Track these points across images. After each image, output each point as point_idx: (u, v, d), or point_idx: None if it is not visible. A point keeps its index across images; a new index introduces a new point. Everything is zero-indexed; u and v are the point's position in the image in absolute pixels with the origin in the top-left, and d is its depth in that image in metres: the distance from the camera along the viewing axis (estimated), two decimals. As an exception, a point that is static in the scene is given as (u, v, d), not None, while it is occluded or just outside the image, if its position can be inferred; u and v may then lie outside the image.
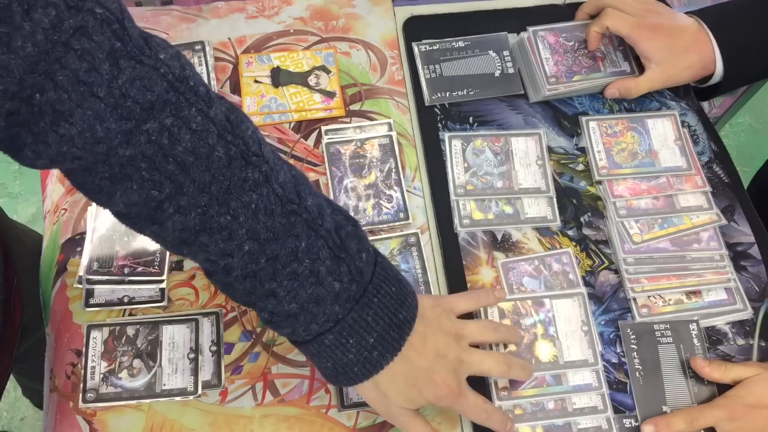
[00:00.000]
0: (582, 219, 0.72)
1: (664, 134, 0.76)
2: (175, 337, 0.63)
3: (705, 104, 0.83)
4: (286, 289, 0.49)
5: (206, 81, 0.76)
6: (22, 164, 0.43)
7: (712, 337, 0.67)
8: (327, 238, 0.49)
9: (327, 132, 0.75)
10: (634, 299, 0.67)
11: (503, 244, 0.70)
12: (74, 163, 0.43)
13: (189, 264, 0.67)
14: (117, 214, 0.49)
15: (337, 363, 0.51)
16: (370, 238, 0.69)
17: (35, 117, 0.40)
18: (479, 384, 0.63)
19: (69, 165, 0.44)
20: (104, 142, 0.42)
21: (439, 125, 0.76)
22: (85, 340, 0.63)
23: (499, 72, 0.80)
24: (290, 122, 0.76)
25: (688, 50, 0.74)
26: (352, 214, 0.70)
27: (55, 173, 0.73)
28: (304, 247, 0.48)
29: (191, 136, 0.44)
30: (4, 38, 0.36)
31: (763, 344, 0.67)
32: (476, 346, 0.60)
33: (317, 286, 0.49)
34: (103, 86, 0.40)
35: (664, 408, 0.63)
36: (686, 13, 0.77)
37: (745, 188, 0.76)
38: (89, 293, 0.65)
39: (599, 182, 0.74)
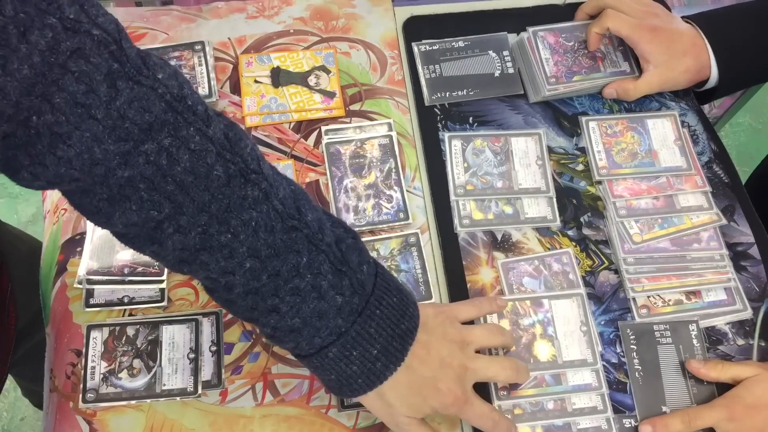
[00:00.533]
0: (582, 219, 0.72)
1: (663, 134, 0.76)
2: (175, 337, 0.63)
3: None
4: (288, 305, 0.49)
5: (206, 81, 0.76)
6: (20, 185, 0.43)
7: (712, 338, 0.67)
8: (328, 252, 0.49)
9: (327, 132, 0.75)
10: (634, 299, 0.67)
11: (503, 244, 0.70)
12: (72, 184, 0.43)
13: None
14: (116, 234, 0.48)
15: (341, 375, 0.51)
16: (371, 238, 0.69)
17: (32, 139, 0.40)
18: (478, 383, 0.63)
19: (67, 186, 0.44)
20: (102, 163, 0.42)
21: (439, 125, 0.76)
22: (85, 340, 0.63)
23: (498, 72, 0.80)
24: (290, 122, 0.76)
25: (686, 54, 0.75)
26: (351, 214, 0.70)
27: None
28: (305, 263, 0.48)
29: (190, 156, 0.44)
30: (0, 60, 0.36)
31: (763, 344, 0.67)
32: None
33: (319, 300, 0.49)
34: (101, 108, 0.40)
35: (664, 408, 0.63)
36: (682, 17, 0.78)
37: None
38: (89, 293, 0.65)
39: (599, 182, 0.74)
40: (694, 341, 0.65)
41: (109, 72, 0.40)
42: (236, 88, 0.77)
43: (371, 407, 0.55)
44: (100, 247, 0.66)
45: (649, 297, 0.68)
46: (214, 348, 0.63)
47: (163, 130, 0.43)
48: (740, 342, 0.67)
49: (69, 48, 0.39)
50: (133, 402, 0.61)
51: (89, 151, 0.41)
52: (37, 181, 0.42)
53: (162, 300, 0.65)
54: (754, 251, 0.71)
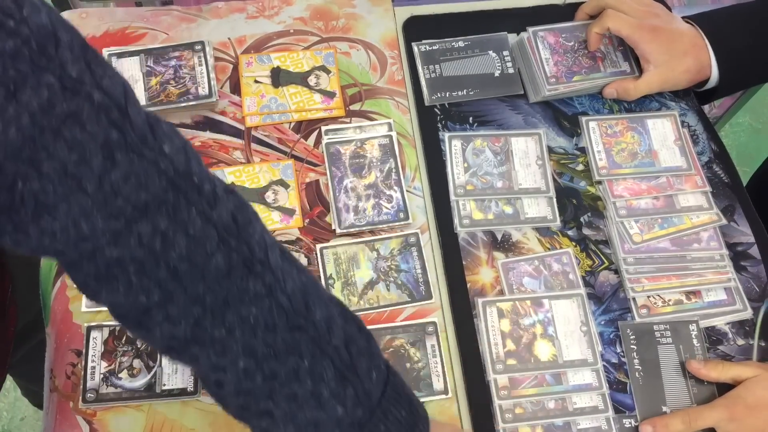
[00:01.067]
0: (582, 219, 0.72)
1: (663, 134, 0.76)
2: (175, 337, 0.63)
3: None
4: (282, 411, 0.44)
5: (206, 81, 0.76)
6: (4, 248, 0.40)
7: (712, 338, 0.67)
8: (334, 356, 0.44)
9: (327, 132, 0.75)
10: (634, 299, 0.67)
11: (503, 244, 0.70)
12: (57, 256, 0.40)
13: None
14: (108, 310, 0.45)
15: None
16: (371, 238, 0.69)
17: (16, 205, 0.36)
18: (479, 382, 0.63)
19: (52, 257, 0.41)
20: (90, 240, 0.38)
21: (439, 125, 0.76)
22: (85, 340, 0.63)
23: (498, 72, 0.80)
24: (290, 122, 0.76)
25: (687, 54, 0.75)
26: (351, 214, 0.70)
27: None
28: (307, 367, 0.43)
29: (187, 242, 0.40)
30: None
31: (763, 344, 0.67)
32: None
33: (318, 409, 0.44)
34: (92, 181, 0.37)
35: (664, 408, 0.63)
36: (682, 18, 0.78)
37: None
38: (89, 293, 0.65)
39: (599, 182, 0.74)
40: (694, 341, 0.65)
41: (106, 141, 0.37)
42: (236, 88, 0.77)
43: None
44: (100, 247, 0.66)
45: (649, 297, 0.68)
46: (214, 348, 0.63)
47: (161, 210, 0.39)
48: (740, 342, 0.67)
49: (65, 111, 0.35)
50: (133, 402, 0.61)
51: (75, 225, 0.37)
52: (20, 248, 0.39)
53: (162, 300, 0.65)
54: (754, 251, 0.71)
